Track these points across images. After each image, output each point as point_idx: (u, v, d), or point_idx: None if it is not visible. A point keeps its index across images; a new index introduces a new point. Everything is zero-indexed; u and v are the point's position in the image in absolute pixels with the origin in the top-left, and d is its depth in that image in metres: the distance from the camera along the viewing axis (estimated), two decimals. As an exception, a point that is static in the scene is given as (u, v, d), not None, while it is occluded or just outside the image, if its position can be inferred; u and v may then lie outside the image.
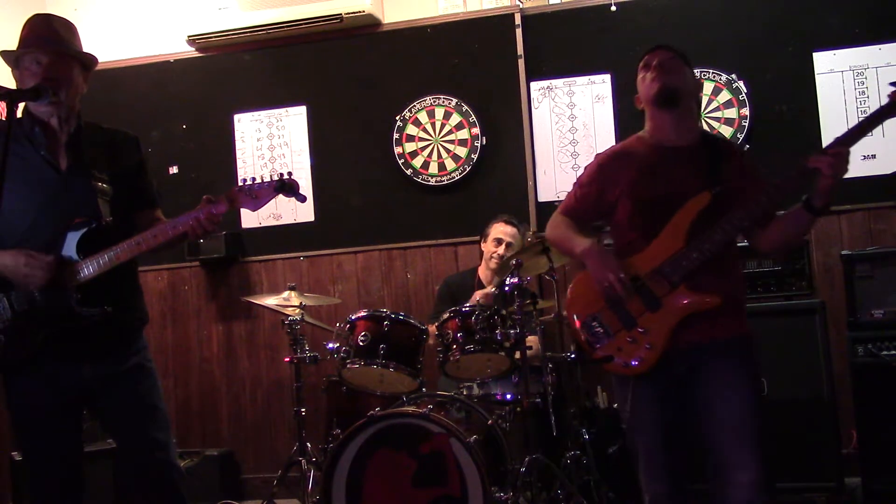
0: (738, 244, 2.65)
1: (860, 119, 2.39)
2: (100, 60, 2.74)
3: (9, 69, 2.66)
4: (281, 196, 2.53)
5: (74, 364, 2.56)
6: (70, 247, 2.52)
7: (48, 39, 2.56)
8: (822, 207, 2.41)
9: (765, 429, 2.46)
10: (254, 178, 2.52)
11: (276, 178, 2.51)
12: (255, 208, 2.54)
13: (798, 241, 2.63)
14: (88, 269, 2.51)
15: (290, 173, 2.54)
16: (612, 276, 2.49)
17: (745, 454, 2.42)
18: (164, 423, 2.68)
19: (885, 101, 2.36)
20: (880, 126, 2.38)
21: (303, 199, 2.61)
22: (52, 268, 2.47)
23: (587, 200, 2.69)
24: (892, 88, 2.33)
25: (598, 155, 2.76)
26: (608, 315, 2.56)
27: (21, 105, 2.53)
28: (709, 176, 2.52)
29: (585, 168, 2.76)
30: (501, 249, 4.31)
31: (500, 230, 4.38)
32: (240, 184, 2.53)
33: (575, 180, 2.78)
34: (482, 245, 4.48)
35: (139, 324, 2.73)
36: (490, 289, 4.20)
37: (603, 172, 2.67)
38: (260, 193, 2.50)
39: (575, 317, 2.64)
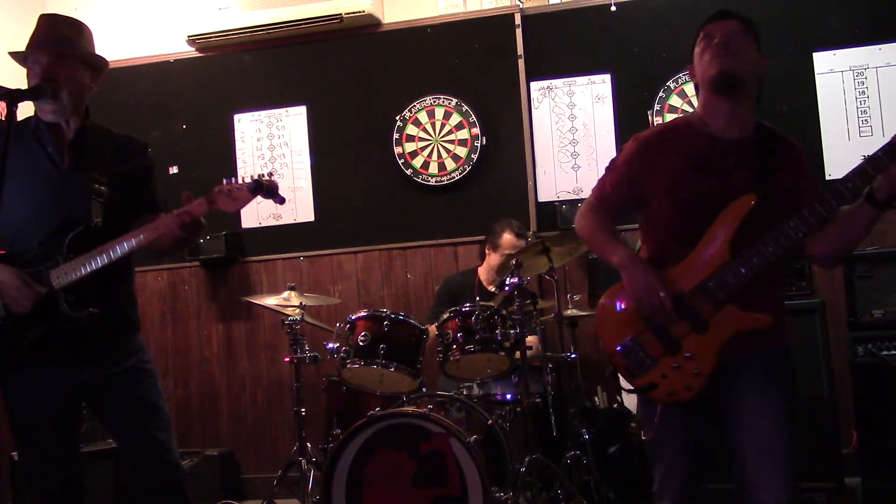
0: None
1: None
2: (100, 60, 2.73)
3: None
4: (260, 197, 2.48)
5: (71, 365, 2.56)
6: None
7: (49, 40, 2.57)
8: (888, 199, 2.10)
9: (796, 444, 2.25)
10: (234, 179, 2.48)
11: (255, 178, 2.45)
12: (234, 209, 2.49)
13: (857, 244, 2.29)
14: (78, 273, 2.49)
15: (269, 174, 2.49)
16: (657, 296, 2.23)
17: (772, 473, 2.21)
18: (166, 423, 2.67)
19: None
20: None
21: (281, 200, 2.53)
22: (39, 300, 2.46)
23: (624, 187, 2.39)
24: None
25: (637, 135, 2.43)
26: (649, 338, 2.29)
27: (31, 104, 2.57)
28: (761, 175, 2.25)
29: (622, 149, 2.44)
30: None
31: (512, 244, 4.27)
32: (220, 185, 2.49)
33: (608, 164, 2.46)
34: (487, 249, 4.43)
35: (130, 331, 2.71)
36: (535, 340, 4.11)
37: (644, 156, 2.36)
38: (238, 195, 2.46)
39: (612, 339, 2.36)
